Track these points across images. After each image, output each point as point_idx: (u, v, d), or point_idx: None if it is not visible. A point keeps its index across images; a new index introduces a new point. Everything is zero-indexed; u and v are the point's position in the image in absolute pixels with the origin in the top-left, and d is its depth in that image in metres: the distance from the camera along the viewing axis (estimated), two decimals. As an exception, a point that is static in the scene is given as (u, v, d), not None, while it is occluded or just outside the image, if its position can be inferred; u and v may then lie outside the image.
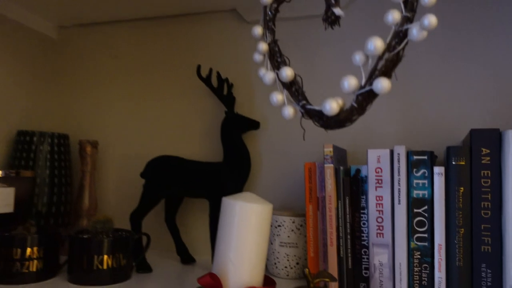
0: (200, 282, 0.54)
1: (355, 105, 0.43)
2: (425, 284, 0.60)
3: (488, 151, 0.58)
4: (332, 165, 0.66)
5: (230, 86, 0.90)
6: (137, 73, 1.03)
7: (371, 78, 0.42)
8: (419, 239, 0.61)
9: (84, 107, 1.07)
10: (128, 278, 0.74)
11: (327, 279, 0.52)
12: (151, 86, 1.02)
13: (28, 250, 0.69)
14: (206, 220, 0.94)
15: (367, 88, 0.42)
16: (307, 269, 0.52)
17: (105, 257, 0.70)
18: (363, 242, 0.66)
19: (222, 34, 0.96)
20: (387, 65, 0.42)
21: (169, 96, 1.00)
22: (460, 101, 0.79)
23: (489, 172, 0.58)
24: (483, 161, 0.58)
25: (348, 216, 0.66)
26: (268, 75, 0.49)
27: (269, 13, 0.52)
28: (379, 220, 0.63)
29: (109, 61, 1.06)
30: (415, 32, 0.41)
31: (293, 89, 0.47)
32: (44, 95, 1.08)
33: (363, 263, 0.66)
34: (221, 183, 0.81)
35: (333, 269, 0.65)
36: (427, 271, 0.60)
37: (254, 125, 0.87)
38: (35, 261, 0.70)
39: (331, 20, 0.45)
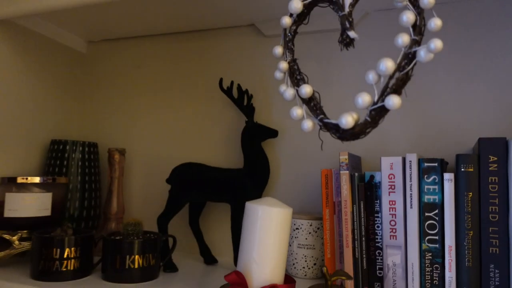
0: (226, 279, 0.59)
1: (368, 119, 0.47)
2: (436, 283, 0.64)
3: (496, 158, 0.62)
4: (347, 171, 0.71)
5: (250, 97, 0.94)
6: (162, 85, 1.09)
7: (383, 95, 0.47)
8: (430, 241, 0.65)
9: (112, 117, 1.13)
10: (156, 277, 0.78)
11: (343, 277, 0.56)
12: (175, 97, 1.07)
13: (67, 250, 0.75)
14: (228, 223, 0.99)
15: (380, 104, 0.47)
16: (325, 268, 0.57)
17: (137, 257, 0.75)
18: (377, 244, 0.70)
19: (242, 47, 1.01)
20: (397, 83, 0.46)
21: (191, 106, 1.05)
22: (470, 111, 0.82)
23: (496, 178, 0.62)
24: (490, 168, 0.62)
25: (363, 219, 0.70)
26: (288, 92, 0.54)
27: (289, 34, 0.57)
28: (392, 223, 0.67)
29: (135, 74, 1.12)
30: (423, 54, 0.45)
31: (312, 104, 0.52)
32: (75, 107, 1.15)
33: (377, 263, 0.70)
34: (242, 188, 0.85)
35: (349, 269, 0.70)
36: (438, 271, 0.64)
37: (272, 133, 0.91)
38: (73, 260, 0.75)
39: (346, 42, 0.50)
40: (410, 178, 0.66)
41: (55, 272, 0.74)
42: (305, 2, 0.56)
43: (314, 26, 0.93)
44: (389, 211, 0.67)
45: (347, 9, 0.51)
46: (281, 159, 0.96)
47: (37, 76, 1.01)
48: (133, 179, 1.09)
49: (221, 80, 0.93)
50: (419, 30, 0.47)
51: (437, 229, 0.65)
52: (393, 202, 0.67)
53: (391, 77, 0.47)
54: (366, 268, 0.70)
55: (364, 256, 0.70)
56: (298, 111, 0.53)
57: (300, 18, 0.57)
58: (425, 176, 0.66)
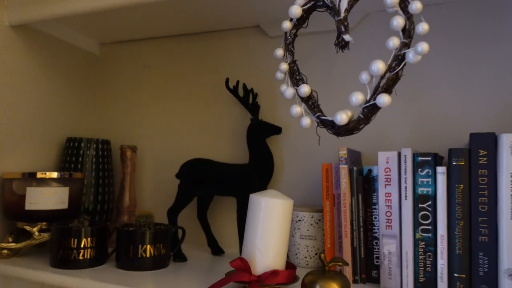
0: (232, 265, 0.64)
1: (361, 116, 0.52)
2: (429, 270, 0.68)
3: (485, 152, 0.65)
4: (346, 166, 0.75)
5: (255, 96, 0.98)
6: (171, 85, 1.13)
7: (374, 94, 0.51)
8: (424, 230, 0.69)
9: (124, 116, 1.18)
10: (167, 266, 0.83)
11: (340, 264, 0.60)
12: (183, 96, 1.12)
13: (83, 240, 0.80)
14: (234, 216, 1.03)
15: (372, 102, 0.51)
16: (322, 254, 0.61)
17: (148, 246, 0.80)
18: (374, 234, 0.74)
19: (247, 48, 1.05)
20: (388, 83, 0.50)
21: (199, 105, 1.09)
22: (464, 107, 0.86)
23: (486, 171, 0.65)
24: (480, 162, 0.66)
25: (361, 211, 0.75)
26: (288, 91, 0.59)
27: (289, 37, 0.62)
28: (388, 214, 0.71)
29: (145, 74, 1.17)
30: (411, 56, 0.50)
31: (310, 102, 0.56)
32: (89, 106, 1.20)
33: (375, 252, 0.74)
34: (248, 182, 0.89)
35: (347, 258, 0.74)
36: (431, 259, 0.68)
37: (276, 130, 0.95)
38: (89, 250, 0.80)
39: (342, 45, 0.54)
40: (405, 172, 0.70)
41: (73, 260, 0.79)
42: (304, 7, 0.60)
43: (315, 27, 0.97)
44: (385, 202, 0.71)
45: (342, 14, 0.55)
46: (285, 154, 1.00)
47: (53, 77, 1.07)
48: (144, 174, 1.14)
49: (227, 80, 0.98)
50: (408, 34, 0.51)
51: (430, 220, 0.68)
52: (389, 194, 0.71)
53: (382, 77, 0.51)
54: (364, 257, 0.74)
55: (362, 245, 0.74)
56: (297, 109, 0.58)
57: (300, 22, 0.62)
58: (419, 169, 0.70)
